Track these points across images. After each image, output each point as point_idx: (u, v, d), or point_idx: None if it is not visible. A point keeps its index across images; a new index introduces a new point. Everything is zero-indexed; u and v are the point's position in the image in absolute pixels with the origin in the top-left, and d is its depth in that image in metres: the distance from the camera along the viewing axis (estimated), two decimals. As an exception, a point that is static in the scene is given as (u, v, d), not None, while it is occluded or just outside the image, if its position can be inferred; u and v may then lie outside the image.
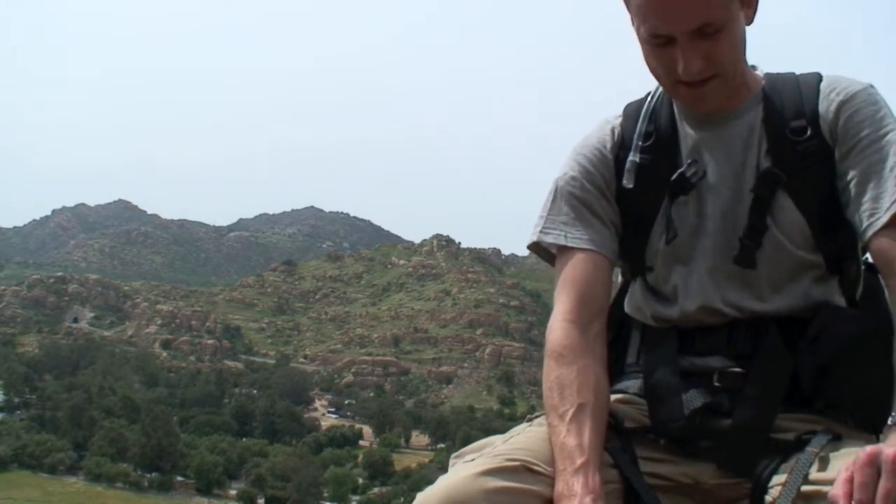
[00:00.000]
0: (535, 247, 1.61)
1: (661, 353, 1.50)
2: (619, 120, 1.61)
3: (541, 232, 1.58)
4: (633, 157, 1.53)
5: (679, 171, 1.50)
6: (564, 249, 1.55)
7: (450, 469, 1.37)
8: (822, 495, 1.19)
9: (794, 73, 1.56)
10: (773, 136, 1.48)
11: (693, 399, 1.41)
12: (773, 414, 1.39)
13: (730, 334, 1.47)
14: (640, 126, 1.56)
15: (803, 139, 1.47)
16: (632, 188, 1.53)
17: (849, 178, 1.43)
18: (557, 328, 1.48)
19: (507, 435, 1.44)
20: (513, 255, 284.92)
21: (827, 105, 1.48)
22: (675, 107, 1.56)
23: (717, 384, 1.43)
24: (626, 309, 1.64)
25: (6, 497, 65.98)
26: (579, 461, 1.29)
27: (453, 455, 1.45)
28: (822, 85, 1.51)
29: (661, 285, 1.56)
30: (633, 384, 1.54)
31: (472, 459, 1.35)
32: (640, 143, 1.54)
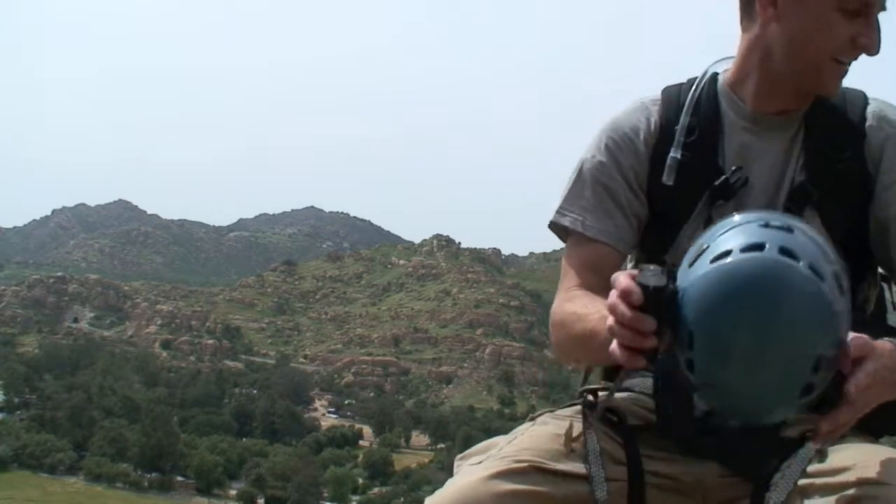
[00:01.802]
0: (555, 226, 1.58)
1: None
2: (657, 107, 1.54)
3: (557, 213, 1.54)
4: (674, 154, 1.48)
5: (724, 176, 1.45)
6: (578, 234, 1.52)
7: (455, 472, 1.36)
8: (817, 488, 1.22)
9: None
10: (812, 150, 1.46)
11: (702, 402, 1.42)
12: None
13: None
14: (684, 119, 1.49)
15: (843, 159, 1.45)
16: (659, 185, 1.49)
17: (892, 211, 1.42)
18: (560, 302, 1.49)
19: (510, 435, 1.43)
20: (513, 255, 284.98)
21: (875, 132, 1.46)
22: (721, 102, 1.51)
23: None
24: None
25: (6, 497, 65.98)
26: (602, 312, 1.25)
27: (458, 457, 1.44)
28: (870, 109, 1.48)
29: None
30: (639, 382, 1.52)
31: (479, 462, 1.34)
32: (682, 138, 1.48)
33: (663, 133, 1.50)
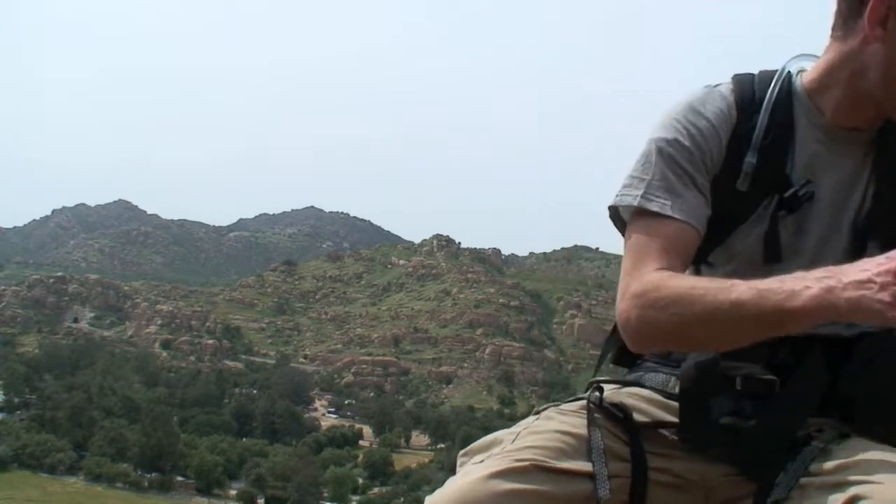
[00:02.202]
0: (615, 209, 1.50)
1: (704, 356, 1.42)
2: (733, 96, 1.46)
3: (642, 197, 1.43)
4: (751, 159, 1.42)
5: (793, 189, 1.40)
6: (658, 216, 1.42)
7: (458, 469, 1.36)
8: (818, 486, 1.24)
9: None
10: (883, 173, 1.42)
11: (721, 405, 1.39)
12: (799, 427, 1.36)
13: (772, 346, 1.40)
14: (763, 118, 1.43)
15: None
16: (725, 179, 1.43)
17: None
18: (651, 274, 1.36)
19: (514, 430, 1.42)
20: (513, 255, 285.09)
21: None
22: (795, 107, 1.45)
23: (738, 388, 1.40)
24: None
25: (6, 497, 66.00)
26: (784, 283, 1.21)
27: (461, 453, 1.43)
28: None
29: None
30: (651, 377, 1.50)
31: (482, 461, 1.34)
32: (759, 140, 1.42)
33: (738, 128, 1.44)
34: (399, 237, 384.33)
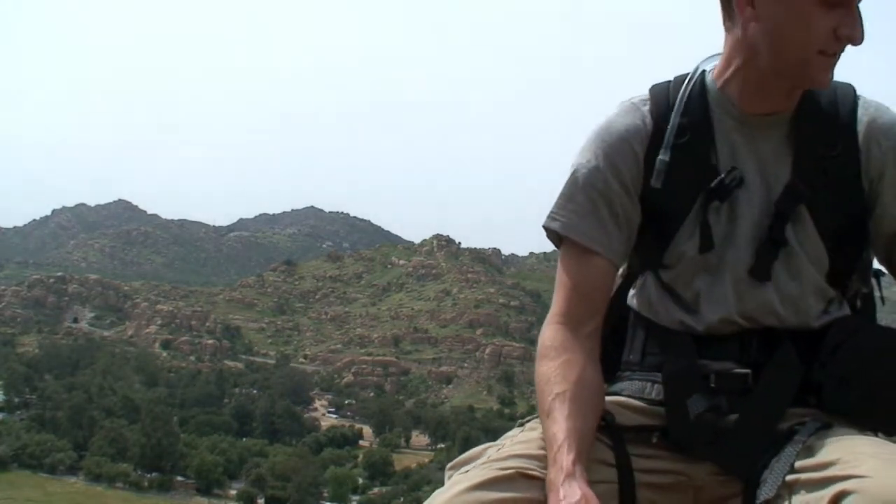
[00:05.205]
0: (549, 231, 1.52)
1: (682, 359, 1.45)
2: (647, 107, 1.49)
3: (548, 217, 1.49)
4: (663, 157, 1.44)
5: (719, 178, 1.43)
6: (571, 243, 1.48)
7: (446, 481, 1.36)
8: (804, 482, 1.25)
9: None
10: (803, 149, 1.45)
11: (697, 403, 1.40)
12: (778, 419, 1.38)
13: (742, 343, 1.45)
14: (674, 118, 1.46)
15: (833, 156, 1.44)
16: (653, 190, 1.46)
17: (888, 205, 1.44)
18: (546, 330, 1.47)
19: (499, 442, 1.43)
20: (513, 255, 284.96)
21: (867, 130, 1.45)
22: (710, 102, 1.47)
23: (712, 385, 1.42)
24: (634, 304, 1.57)
25: (6, 497, 66.00)
26: (554, 447, 1.30)
27: (448, 466, 1.43)
28: (861, 105, 1.47)
29: (681, 288, 1.49)
30: (627, 386, 1.52)
31: (467, 471, 1.34)
32: (672, 139, 1.45)
33: (656, 135, 1.47)
34: (399, 237, 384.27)
